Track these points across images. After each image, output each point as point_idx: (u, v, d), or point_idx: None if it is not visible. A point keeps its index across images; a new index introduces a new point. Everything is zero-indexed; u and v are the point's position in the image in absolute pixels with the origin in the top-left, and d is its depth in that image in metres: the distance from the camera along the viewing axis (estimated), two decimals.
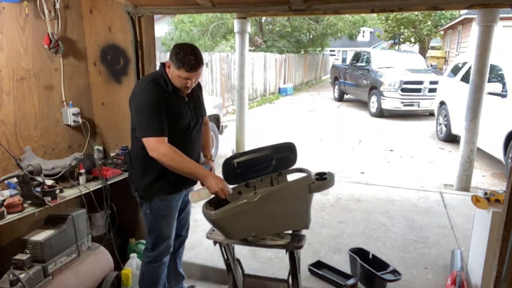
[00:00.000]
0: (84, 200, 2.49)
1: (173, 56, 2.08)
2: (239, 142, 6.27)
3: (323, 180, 2.11)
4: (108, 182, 2.61)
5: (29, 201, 2.18)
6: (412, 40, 24.16)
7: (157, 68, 2.28)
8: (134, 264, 2.74)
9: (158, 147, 2.04)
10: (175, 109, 2.14)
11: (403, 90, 10.14)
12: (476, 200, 2.46)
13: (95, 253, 2.57)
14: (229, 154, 2.28)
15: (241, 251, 3.01)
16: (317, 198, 4.24)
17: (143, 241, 2.98)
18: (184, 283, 2.74)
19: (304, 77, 20.73)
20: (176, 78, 2.12)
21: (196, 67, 2.08)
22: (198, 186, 2.22)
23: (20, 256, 2.11)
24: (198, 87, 2.37)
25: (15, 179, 2.20)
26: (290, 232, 2.09)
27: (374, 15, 22.52)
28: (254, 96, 13.80)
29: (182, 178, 2.17)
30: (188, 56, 2.05)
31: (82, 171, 2.52)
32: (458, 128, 6.39)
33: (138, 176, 2.26)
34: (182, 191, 2.36)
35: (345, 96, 14.29)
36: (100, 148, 2.94)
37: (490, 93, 5.58)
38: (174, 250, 2.49)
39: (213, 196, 2.09)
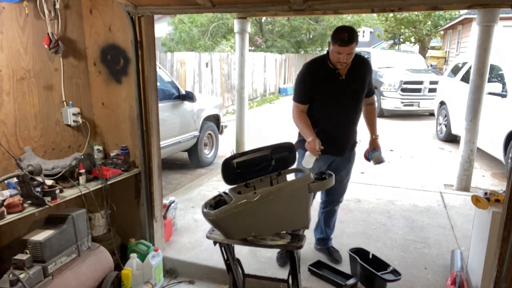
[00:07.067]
0: (84, 200, 2.49)
1: (332, 34, 2.47)
2: (239, 142, 6.26)
3: (322, 179, 2.11)
4: (108, 182, 2.62)
5: (29, 201, 2.18)
6: (412, 40, 24.13)
7: (157, 68, 2.31)
8: (134, 264, 2.74)
9: (292, 109, 2.70)
10: (325, 84, 2.58)
11: (403, 90, 10.14)
12: (476, 200, 2.46)
13: (95, 253, 2.56)
14: (229, 154, 2.28)
15: (241, 251, 3.01)
16: (317, 198, 4.23)
17: (143, 241, 2.98)
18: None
19: None
20: (332, 53, 2.48)
21: (347, 42, 2.38)
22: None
23: (20, 256, 2.10)
24: (368, 69, 2.70)
25: (15, 179, 2.20)
26: (290, 232, 2.09)
27: (374, 15, 22.50)
28: (254, 96, 13.80)
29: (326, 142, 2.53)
30: (342, 33, 2.41)
31: (82, 171, 2.52)
32: (458, 128, 6.40)
33: None
34: (327, 154, 2.67)
35: None
36: (100, 148, 2.94)
37: (490, 93, 5.59)
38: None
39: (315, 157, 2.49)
